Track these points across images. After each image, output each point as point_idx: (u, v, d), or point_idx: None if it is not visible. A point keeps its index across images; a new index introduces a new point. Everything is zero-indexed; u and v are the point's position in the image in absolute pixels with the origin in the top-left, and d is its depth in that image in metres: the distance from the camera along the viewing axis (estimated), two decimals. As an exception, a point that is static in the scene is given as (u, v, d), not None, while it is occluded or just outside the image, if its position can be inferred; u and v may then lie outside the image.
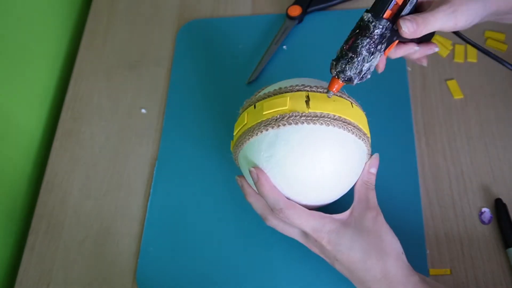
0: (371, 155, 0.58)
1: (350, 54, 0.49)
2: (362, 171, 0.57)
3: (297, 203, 0.54)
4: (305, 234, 0.55)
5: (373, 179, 0.57)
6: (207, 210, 0.67)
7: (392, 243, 0.53)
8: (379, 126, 0.68)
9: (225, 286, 0.62)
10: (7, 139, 0.71)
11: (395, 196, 0.64)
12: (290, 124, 0.51)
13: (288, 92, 0.54)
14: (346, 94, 0.57)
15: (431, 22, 0.50)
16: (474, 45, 0.57)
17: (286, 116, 0.52)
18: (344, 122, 0.52)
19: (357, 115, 0.54)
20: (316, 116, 0.51)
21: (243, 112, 0.57)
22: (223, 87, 0.75)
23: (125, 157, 0.73)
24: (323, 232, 0.53)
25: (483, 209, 0.62)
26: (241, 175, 0.59)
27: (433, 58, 0.73)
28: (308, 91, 0.54)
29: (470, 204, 0.63)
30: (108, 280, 0.65)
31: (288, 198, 0.54)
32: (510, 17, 0.55)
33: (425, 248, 0.61)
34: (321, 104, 0.52)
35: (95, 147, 0.74)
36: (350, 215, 0.55)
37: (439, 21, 0.50)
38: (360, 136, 0.54)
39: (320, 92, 0.54)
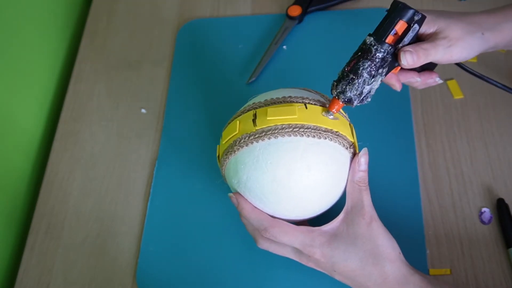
0: (356, 150, 0.55)
1: (351, 76, 0.50)
2: (351, 170, 0.54)
3: (284, 219, 0.54)
4: (298, 251, 0.54)
5: (364, 177, 0.54)
6: (207, 210, 0.67)
7: (388, 247, 0.53)
8: (379, 126, 0.68)
9: (225, 286, 0.62)
10: (7, 139, 0.71)
11: (395, 196, 0.64)
12: (242, 147, 0.52)
13: (239, 115, 0.55)
14: (310, 92, 0.56)
15: (431, 54, 0.52)
16: (474, 74, 0.59)
17: (237, 140, 0.52)
18: (294, 128, 0.51)
19: (312, 115, 0.52)
20: (263, 131, 0.51)
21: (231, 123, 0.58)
22: (223, 87, 0.75)
23: (125, 157, 0.73)
24: (314, 246, 0.52)
25: (483, 209, 0.62)
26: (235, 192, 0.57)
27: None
28: (256, 108, 0.54)
29: (470, 204, 0.63)
30: (108, 280, 0.65)
31: (273, 216, 0.54)
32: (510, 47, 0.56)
33: (425, 248, 0.61)
34: (266, 119, 0.51)
35: (95, 147, 0.74)
36: (341, 223, 0.53)
37: (438, 53, 0.52)
38: (319, 135, 0.51)
39: (268, 105, 0.53)
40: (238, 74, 0.76)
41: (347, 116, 0.57)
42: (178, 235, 0.66)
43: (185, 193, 0.68)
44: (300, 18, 0.78)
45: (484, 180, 0.64)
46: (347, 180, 0.54)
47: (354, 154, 0.54)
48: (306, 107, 0.52)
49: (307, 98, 0.54)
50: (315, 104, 0.53)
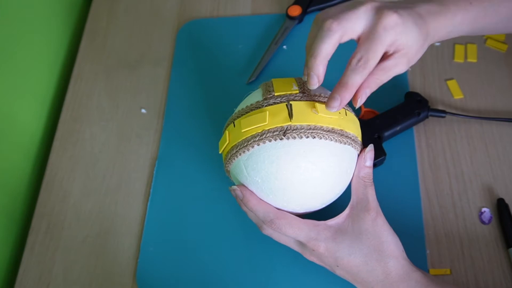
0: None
1: None
2: (356, 166, 0.55)
3: (289, 212, 0.54)
4: (301, 244, 0.54)
5: (369, 173, 0.55)
6: (207, 210, 0.67)
7: (392, 243, 0.53)
8: (379, 126, 0.68)
9: (225, 286, 0.62)
10: (7, 139, 0.71)
11: (395, 196, 0.64)
12: (269, 141, 0.51)
13: (265, 106, 0.53)
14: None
15: (394, 71, 0.52)
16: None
17: (264, 133, 0.51)
18: (325, 131, 0.51)
19: (347, 121, 0.54)
20: (296, 128, 0.51)
21: (225, 129, 0.57)
22: (223, 87, 0.75)
23: (125, 157, 0.73)
24: (319, 240, 0.52)
25: (483, 209, 0.62)
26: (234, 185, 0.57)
27: (433, 58, 0.73)
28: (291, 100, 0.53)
29: (470, 204, 0.63)
30: (108, 280, 0.65)
31: (278, 209, 0.54)
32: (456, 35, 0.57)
33: (425, 248, 0.61)
34: (304, 116, 0.51)
35: (95, 147, 0.74)
36: (346, 218, 0.54)
37: (398, 70, 0.52)
38: (342, 141, 0.52)
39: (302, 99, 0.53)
40: (238, 74, 0.76)
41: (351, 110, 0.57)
42: (178, 235, 0.66)
43: (185, 193, 0.68)
44: (300, 18, 0.78)
45: (484, 180, 0.64)
46: (353, 175, 0.55)
47: (361, 149, 0.55)
48: (346, 114, 0.54)
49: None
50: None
